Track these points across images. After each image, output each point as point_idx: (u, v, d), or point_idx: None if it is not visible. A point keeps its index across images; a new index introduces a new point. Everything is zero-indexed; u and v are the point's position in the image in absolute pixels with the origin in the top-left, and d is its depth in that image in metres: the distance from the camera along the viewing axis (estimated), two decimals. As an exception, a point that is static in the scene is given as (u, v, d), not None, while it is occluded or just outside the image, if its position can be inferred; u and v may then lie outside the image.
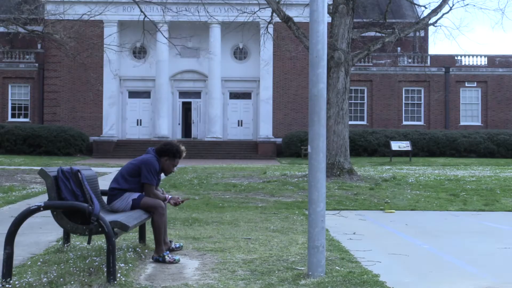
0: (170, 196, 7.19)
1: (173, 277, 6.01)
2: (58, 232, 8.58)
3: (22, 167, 26.25)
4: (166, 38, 28.34)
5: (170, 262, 6.61)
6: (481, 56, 47.69)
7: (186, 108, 47.35)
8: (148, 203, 6.84)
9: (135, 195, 6.88)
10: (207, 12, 26.19)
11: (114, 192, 6.91)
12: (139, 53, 47.05)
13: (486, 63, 47.53)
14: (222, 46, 45.28)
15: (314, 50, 6.17)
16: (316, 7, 6.18)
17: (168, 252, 6.85)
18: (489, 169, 28.33)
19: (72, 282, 5.49)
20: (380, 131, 43.08)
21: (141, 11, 22.61)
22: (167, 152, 7.02)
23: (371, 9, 46.63)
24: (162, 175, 7.31)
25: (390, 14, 41.58)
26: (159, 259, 6.67)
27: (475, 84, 47.39)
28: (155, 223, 6.78)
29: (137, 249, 7.07)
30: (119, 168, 20.56)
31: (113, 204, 6.88)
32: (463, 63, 47.62)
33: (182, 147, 7.17)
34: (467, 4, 24.54)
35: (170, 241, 7.35)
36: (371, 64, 47.01)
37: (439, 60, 47.60)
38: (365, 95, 47.12)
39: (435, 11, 22.38)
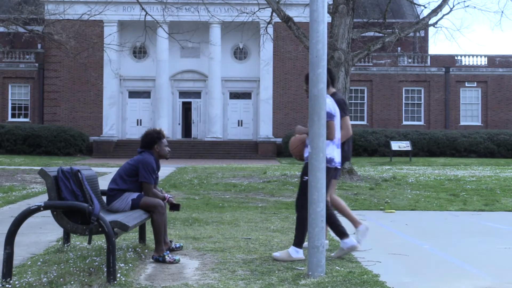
0: (169, 196, 7.21)
1: (173, 277, 6.01)
2: (58, 232, 8.59)
3: (22, 167, 26.25)
4: (167, 33, 28.32)
5: (170, 262, 6.61)
6: (481, 56, 47.70)
7: (186, 108, 47.35)
8: (148, 202, 6.84)
9: (134, 195, 6.89)
10: (208, 12, 26.19)
11: (113, 193, 6.92)
12: (139, 53, 47.05)
13: (486, 63, 47.53)
14: (222, 46, 45.28)
15: (314, 50, 6.17)
16: (316, 7, 6.18)
17: (168, 252, 6.85)
18: (489, 169, 28.33)
19: (72, 282, 5.49)
20: (380, 131, 43.08)
21: (142, 8, 22.61)
22: (153, 140, 7.06)
23: (371, 9, 46.62)
24: (160, 173, 7.33)
25: (390, 14, 41.60)
26: (159, 259, 6.68)
27: (475, 84, 47.40)
28: (155, 222, 6.78)
29: (137, 249, 7.07)
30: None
31: (113, 205, 6.88)
32: (463, 63, 47.62)
33: (157, 128, 7.27)
34: (468, 6, 24.55)
35: (171, 241, 7.36)
36: (371, 64, 47.01)
37: (439, 60, 47.60)
38: (365, 95, 47.12)
39: (435, 11, 22.39)
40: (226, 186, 17.35)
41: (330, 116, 6.78)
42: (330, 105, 6.86)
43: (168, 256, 6.66)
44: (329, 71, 7.31)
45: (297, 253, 6.80)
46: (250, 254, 7.14)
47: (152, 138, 7.07)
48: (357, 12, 32.99)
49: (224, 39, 45.18)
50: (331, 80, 7.38)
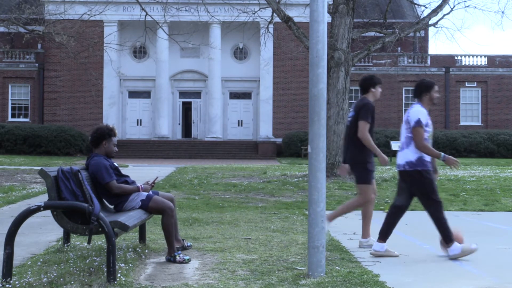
0: (142, 186, 7.08)
1: (173, 277, 6.02)
2: (58, 232, 8.59)
3: (22, 167, 26.25)
4: (167, 34, 28.35)
5: (180, 262, 6.59)
6: (481, 56, 47.70)
7: (186, 108, 47.35)
8: (156, 205, 6.80)
9: (143, 195, 6.85)
10: (208, 12, 26.20)
11: (119, 201, 6.82)
12: (139, 53, 47.05)
13: (486, 63, 47.53)
14: (222, 46, 45.28)
15: (314, 50, 6.17)
16: (316, 7, 6.18)
17: (180, 252, 6.83)
18: (489, 169, 28.33)
19: (72, 282, 5.49)
20: (380, 131, 43.09)
21: (142, 9, 22.62)
22: (103, 136, 6.93)
23: (371, 9, 46.62)
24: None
25: (390, 14, 41.59)
26: (171, 259, 6.68)
27: (475, 84, 47.39)
28: (165, 225, 6.73)
29: (137, 249, 7.07)
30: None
31: (124, 208, 6.80)
32: (463, 63, 47.62)
33: (110, 125, 7.15)
34: (468, 6, 24.54)
35: (183, 240, 7.38)
36: (371, 64, 47.00)
37: (439, 60, 47.61)
38: (365, 95, 47.09)
39: (435, 11, 22.38)
40: (226, 186, 17.35)
41: (418, 123, 7.35)
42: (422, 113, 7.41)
43: (179, 256, 6.66)
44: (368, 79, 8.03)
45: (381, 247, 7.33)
46: (250, 254, 7.14)
47: (102, 133, 6.92)
48: (357, 12, 32.99)
49: (224, 39, 45.18)
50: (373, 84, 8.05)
